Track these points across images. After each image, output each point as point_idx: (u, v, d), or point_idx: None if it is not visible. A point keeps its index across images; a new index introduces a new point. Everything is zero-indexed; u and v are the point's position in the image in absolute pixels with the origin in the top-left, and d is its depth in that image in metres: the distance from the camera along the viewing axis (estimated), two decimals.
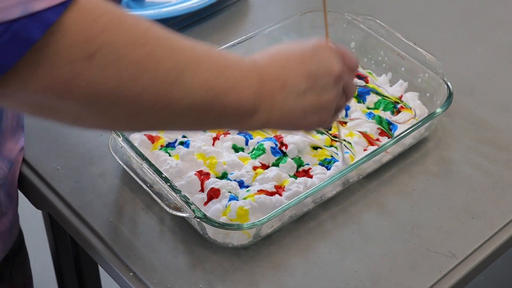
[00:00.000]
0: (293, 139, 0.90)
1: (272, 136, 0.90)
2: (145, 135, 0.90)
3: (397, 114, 0.95)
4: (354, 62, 0.74)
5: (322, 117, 0.71)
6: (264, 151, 0.88)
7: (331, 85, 0.70)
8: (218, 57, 0.63)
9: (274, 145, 0.89)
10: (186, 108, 0.60)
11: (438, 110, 0.91)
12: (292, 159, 0.88)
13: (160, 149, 0.89)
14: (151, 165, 0.83)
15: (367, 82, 0.99)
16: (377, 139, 0.92)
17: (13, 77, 0.52)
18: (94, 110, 0.57)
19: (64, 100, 0.55)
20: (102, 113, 0.58)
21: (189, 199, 0.80)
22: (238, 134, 0.91)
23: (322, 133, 0.92)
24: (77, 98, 0.55)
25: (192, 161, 0.87)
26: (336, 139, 0.91)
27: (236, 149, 0.90)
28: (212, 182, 0.85)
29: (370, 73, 1.01)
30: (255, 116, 0.66)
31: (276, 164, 0.88)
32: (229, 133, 0.91)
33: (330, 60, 0.71)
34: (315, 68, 0.69)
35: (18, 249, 0.94)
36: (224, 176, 0.87)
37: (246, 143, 0.90)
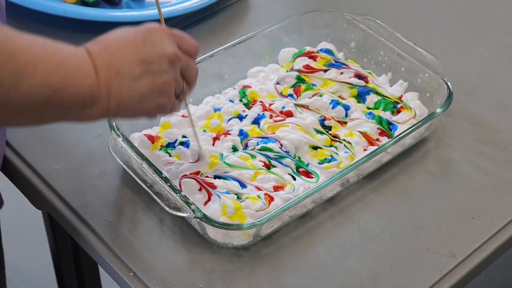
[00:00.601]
0: (290, 137, 0.90)
1: (271, 136, 0.90)
2: (145, 135, 0.90)
3: (397, 114, 0.95)
4: (192, 45, 0.75)
5: (162, 100, 0.73)
6: (270, 150, 0.88)
7: (166, 68, 0.72)
8: (54, 53, 0.65)
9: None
10: (25, 107, 0.63)
11: (438, 110, 0.91)
12: (292, 159, 0.88)
13: (160, 149, 0.89)
14: (151, 165, 0.83)
15: (367, 82, 0.99)
16: (377, 139, 0.92)
17: None
18: None
19: None
20: None
21: (189, 199, 0.80)
22: (238, 135, 0.91)
23: (322, 133, 0.92)
24: None
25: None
26: (337, 139, 0.91)
27: (236, 149, 0.90)
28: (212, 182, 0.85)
29: (370, 73, 1.01)
30: (94, 106, 0.68)
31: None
32: (229, 134, 0.91)
33: (163, 43, 0.72)
34: (148, 52, 0.70)
35: None
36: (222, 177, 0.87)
37: (246, 146, 0.90)
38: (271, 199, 0.84)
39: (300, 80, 0.98)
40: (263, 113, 0.93)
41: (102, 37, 0.71)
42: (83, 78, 0.66)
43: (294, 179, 0.87)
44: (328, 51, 1.02)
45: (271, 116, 0.93)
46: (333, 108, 0.95)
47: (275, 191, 0.85)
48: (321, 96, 0.96)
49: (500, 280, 1.73)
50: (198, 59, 0.95)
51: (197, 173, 0.86)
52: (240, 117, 0.94)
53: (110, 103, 0.69)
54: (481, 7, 1.18)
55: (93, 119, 0.70)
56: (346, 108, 0.95)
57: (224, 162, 0.88)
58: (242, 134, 0.91)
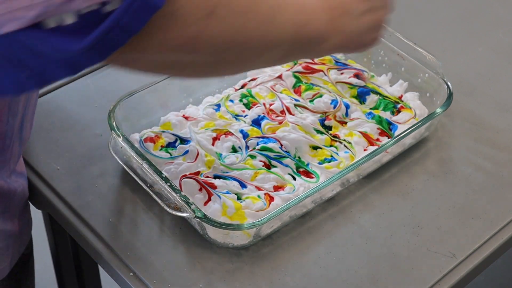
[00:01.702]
0: (290, 137, 0.90)
1: (271, 136, 0.91)
2: (145, 138, 0.90)
3: (397, 114, 0.95)
4: None
5: (378, 33, 0.79)
6: (270, 150, 0.89)
7: (383, 3, 0.78)
8: None
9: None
10: (279, 43, 0.69)
11: (438, 110, 0.91)
12: (292, 159, 0.88)
13: (161, 149, 0.89)
14: (151, 165, 0.83)
15: (364, 79, 0.99)
16: (377, 139, 0.92)
17: (150, 40, 0.59)
18: (213, 59, 0.65)
19: (192, 55, 0.63)
20: (218, 61, 0.66)
21: (189, 199, 0.80)
22: (239, 131, 0.91)
23: (322, 133, 0.92)
24: (202, 52, 0.63)
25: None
26: (337, 139, 0.91)
27: (235, 150, 0.90)
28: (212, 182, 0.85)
29: (370, 74, 1.01)
30: (329, 41, 0.73)
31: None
32: (230, 134, 0.91)
33: None
34: None
35: (28, 257, 0.94)
36: (222, 177, 0.87)
37: (246, 148, 0.90)
38: (271, 199, 0.84)
39: (299, 80, 0.98)
40: (263, 115, 0.93)
41: None
42: (320, 16, 0.71)
43: (294, 179, 0.87)
44: None
45: (271, 118, 0.93)
46: (334, 108, 0.95)
47: (275, 191, 0.85)
48: (321, 96, 0.96)
49: (500, 280, 1.73)
50: None
51: (197, 173, 0.87)
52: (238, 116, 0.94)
53: (341, 38, 0.74)
54: (481, 7, 1.18)
55: (326, 53, 0.78)
56: (346, 106, 0.95)
57: (222, 163, 0.88)
58: (242, 134, 0.91)
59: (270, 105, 0.95)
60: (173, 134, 0.91)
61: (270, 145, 0.89)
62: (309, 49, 0.74)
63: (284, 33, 0.69)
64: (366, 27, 0.76)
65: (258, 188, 0.85)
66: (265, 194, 0.84)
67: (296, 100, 0.96)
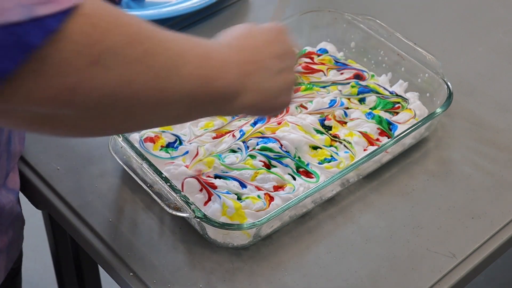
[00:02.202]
0: (290, 137, 0.90)
1: (271, 136, 0.90)
2: (145, 138, 0.90)
3: (397, 114, 0.95)
4: (297, 45, 0.79)
5: (291, 95, 0.75)
6: (270, 150, 0.89)
7: (294, 64, 0.75)
8: (199, 45, 0.65)
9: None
10: (177, 100, 0.62)
11: (438, 110, 0.91)
12: (292, 159, 0.88)
13: (161, 149, 0.89)
14: (151, 165, 0.83)
15: (364, 79, 0.99)
16: (377, 139, 0.92)
17: (18, 87, 0.52)
18: (92, 114, 0.57)
19: (66, 108, 0.55)
20: (99, 117, 0.58)
21: (189, 199, 0.80)
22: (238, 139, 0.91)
23: (322, 133, 0.92)
24: (79, 106, 0.55)
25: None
26: (337, 139, 0.91)
27: (235, 150, 0.90)
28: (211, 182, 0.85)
29: (370, 74, 1.01)
30: (238, 99, 0.68)
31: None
32: (233, 135, 0.91)
33: (289, 42, 0.75)
34: (281, 49, 0.73)
35: (16, 272, 0.93)
36: (222, 177, 0.87)
37: (246, 148, 0.90)
38: (271, 199, 0.84)
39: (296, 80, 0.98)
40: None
41: (235, 32, 0.72)
42: (229, 72, 0.66)
43: (294, 179, 0.87)
44: (326, 51, 1.02)
45: (270, 118, 0.93)
46: (333, 108, 0.95)
47: (275, 191, 0.85)
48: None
49: (500, 280, 1.73)
50: None
51: (199, 171, 0.87)
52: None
53: (253, 96, 0.70)
54: (481, 7, 1.18)
55: (234, 113, 0.72)
56: (346, 106, 0.95)
57: (222, 163, 0.88)
58: (242, 134, 0.91)
59: None
60: (173, 134, 0.91)
61: (270, 145, 0.89)
62: (215, 107, 0.68)
63: (183, 88, 0.62)
64: (280, 87, 0.72)
65: (258, 188, 0.85)
66: (265, 194, 0.84)
67: (296, 100, 0.96)
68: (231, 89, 0.67)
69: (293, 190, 0.85)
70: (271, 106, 0.73)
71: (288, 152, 0.89)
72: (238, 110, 0.70)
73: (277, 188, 0.86)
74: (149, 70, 0.58)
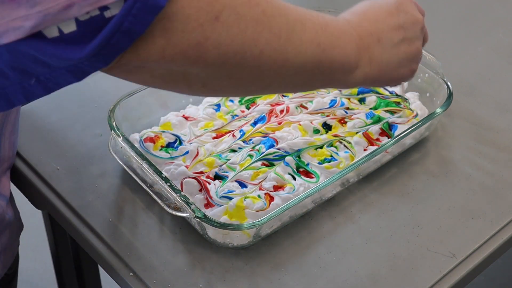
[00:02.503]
0: (290, 137, 0.90)
1: (271, 136, 0.91)
2: (145, 138, 0.90)
3: (397, 114, 0.95)
4: (422, 11, 0.79)
5: (414, 66, 0.75)
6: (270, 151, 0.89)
7: (419, 35, 0.75)
8: (318, 16, 0.66)
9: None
10: (299, 65, 0.64)
11: (438, 110, 0.91)
12: (292, 159, 0.88)
13: (161, 149, 0.89)
14: (151, 165, 0.83)
15: None
16: (377, 139, 0.92)
17: (151, 46, 0.57)
18: (221, 73, 0.61)
19: (196, 65, 0.59)
20: (227, 76, 0.61)
21: (189, 199, 0.80)
22: (239, 138, 0.91)
23: (322, 133, 0.92)
24: (207, 62, 0.59)
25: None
26: (337, 139, 0.91)
27: (235, 150, 0.90)
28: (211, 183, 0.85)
29: None
30: (357, 70, 0.69)
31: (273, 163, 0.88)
32: (233, 135, 0.91)
33: (413, 11, 0.75)
34: (403, 20, 0.73)
35: (12, 278, 0.92)
36: (222, 177, 0.87)
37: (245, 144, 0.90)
38: (271, 199, 0.84)
39: None
40: (263, 115, 0.93)
41: (355, 8, 0.73)
42: (347, 42, 0.68)
43: (294, 179, 0.87)
44: None
45: (271, 118, 0.93)
46: (333, 108, 0.95)
47: (275, 191, 0.85)
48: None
49: (500, 280, 1.73)
50: None
51: (200, 173, 0.87)
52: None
53: (372, 69, 0.70)
54: (481, 7, 1.18)
55: (354, 84, 0.71)
56: (346, 106, 0.95)
57: (222, 163, 0.88)
58: (242, 134, 0.91)
59: (270, 105, 0.95)
60: (173, 134, 0.91)
61: (270, 145, 0.89)
62: (335, 77, 0.69)
63: (303, 53, 0.63)
64: (401, 58, 0.73)
65: (258, 188, 0.85)
66: (265, 194, 0.84)
67: (296, 100, 0.96)
68: (350, 60, 0.68)
69: (293, 190, 0.85)
70: (390, 78, 0.74)
71: (288, 151, 0.89)
72: (358, 83, 0.71)
73: (277, 188, 0.86)
74: (270, 31, 0.60)
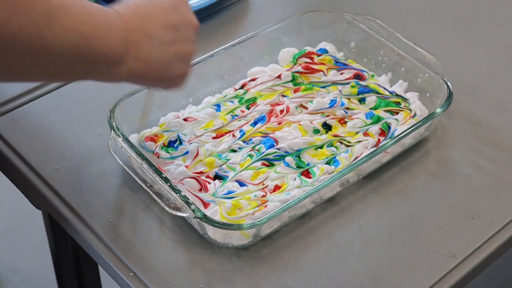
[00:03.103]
0: (290, 137, 0.90)
1: (271, 136, 0.91)
2: (146, 137, 0.90)
3: (397, 114, 0.95)
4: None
5: (185, 69, 0.75)
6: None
7: (192, 37, 0.74)
8: (84, 5, 0.65)
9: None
10: (58, 53, 0.63)
11: (438, 110, 0.91)
12: (292, 158, 0.88)
13: (161, 148, 0.89)
14: (151, 165, 0.83)
15: (364, 78, 0.99)
16: (377, 139, 0.92)
17: None
18: None
19: None
20: None
21: (189, 199, 0.80)
22: (239, 139, 0.91)
23: (322, 133, 0.92)
24: None
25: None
26: (337, 139, 0.91)
27: (235, 150, 0.90)
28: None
29: (370, 74, 1.01)
30: (123, 64, 0.69)
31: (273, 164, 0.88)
32: (231, 134, 0.91)
33: (189, 14, 0.75)
34: (177, 19, 0.73)
35: None
36: (222, 177, 0.87)
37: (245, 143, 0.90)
38: (268, 200, 0.84)
39: (296, 80, 0.99)
40: (263, 115, 0.93)
41: (130, 1, 0.72)
42: (113, 33, 0.67)
43: (294, 179, 0.87)
44: (326, 51, 1.02)
45: (271, 118, 0.93)
46: (333, 108, 0.95)
47: (275, 191, 0.85)
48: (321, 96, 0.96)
49: (500, 280, 1.73)
50: (198, 59, 0.95)
51: (200, 173, 0.87)
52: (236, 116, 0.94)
53: (139, 64, 0.70)
54: (481, 7, 1.18)
55: (120, 79, 0.71)
56: (346, 106, 0.95)
57: (222, 163, 0.88)
58: (242, 134, 0.91)
59: (270, 105, 0.95)
60: (172, 134, 0.91)
61: (270, 145, 0.89)
62: (97, 69, 0.68)
63: (63, 42, 0.62)
64: (171, 58, 0.72)
65: (259, 189, 0.85)
66: (263, 194, 0.84)
67: (296, 100, 0.96)
68: (114, 53, 0.67)
69: (293, 190, 0.85)
70: (160, 77, 0.73)
71: (288, 152, 0.89)
72: (125, 77, 0.70)
73: (277, 188, 0.86)
74: (27, 15, 0.59)
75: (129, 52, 0.68)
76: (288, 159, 0.88)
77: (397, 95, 0.98)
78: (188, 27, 0.74)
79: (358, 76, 1.00)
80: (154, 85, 0.78)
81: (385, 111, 0.95)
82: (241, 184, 0.86)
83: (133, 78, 0.71)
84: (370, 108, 0.96)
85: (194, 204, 0.79)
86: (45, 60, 0.63)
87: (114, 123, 0.87)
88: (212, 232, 0.81)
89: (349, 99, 0.97)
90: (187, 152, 0.89)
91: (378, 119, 0.93)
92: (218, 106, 0.95)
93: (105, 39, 0.66)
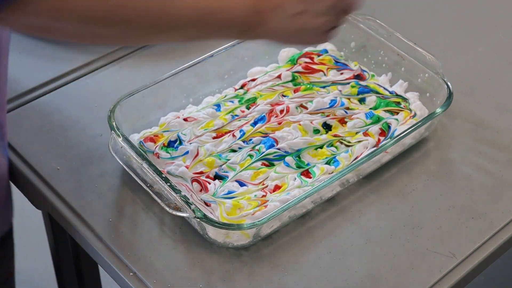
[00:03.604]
0: (290, 137, 0.90)
1: (271, 136, 0.91)
2: (145, 138, 0.90)
3: (396, 114, 0.95)
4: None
5: (316, 38, 0.77)
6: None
7: (325, 12, 0.75)
8: None
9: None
10: (179, 27, 0.68)
11: (438, 110, 0.91)
12: (292, 158, 0.88)
13: (161, 148, 0.89)
14: (151, 165, 0.83)
15: (364, 78, 0.99)
16: (377, 139, 0.92)
17: (17, 7, 0.61)
18: (90, 30, 0.65)
19: (59, 22, 0.63)
20: (97, 32, 0.66)
21: (189, 199, 0.80)
22: (239, 138, 0.91)
23: (322, 133, 0.92)
24: (70, 20, 0.63)
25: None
26: (337, 139, 0.91)
27: (235, 150, 0.90)
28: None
29: (370, 74, 1.01)
30: (249, 31, 0.72)
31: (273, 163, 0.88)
32: (231, 134, 0.91)
33: None
34: None
35: (7, 238, 0.93)
36: (222, 177, 0.87)
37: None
38: (268, 200, 0.84)
39: (298, 79, 0.99)
40: (263, 115, 0.93)
41: None
42: (238, 6, 0.70)
43: (294, 179, 0.87)
44: (326, 51, 1.02)
45: (271, 118, 0.93)
46: (333, 107, 0.95)
47: (275, 191, 0.85)
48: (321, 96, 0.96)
49: (500, 280, 1.73)
50: (198, 59, 0.95)
51: (200, 173, 0.87)
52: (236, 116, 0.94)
53: (267, 31, 0.73)
54: (481, 7, 1.18)
55: (247, 39, 0.77)
56: (346, 106, 0.95)
57: (222, 163, 0.88)
58: (242, 134, 0.91)
59: (270, 105, 0.95)
60: (172, 134, 0.91)
61: (270, 145, 0.89)
62: (230, 34, 0.73)
63: (181, 17, 0.67)
64: (298, 29, 0.74)
65: (259, 189, 0.85)
66: (263, 194, 0.84)
67: (296, 100, 0.96)
68: (240, 22, 0.70)
69: (293, 190, 0.85)
70: (287, 41, 0.77)
71: (288, 151, 0.89)
72: (252, 38, 0.74)
73: (277, 188, 0.86)
74: None
75: (256, 20, 0.71)
76: (288, 159, 0.88)
77: (397, 95, 0.98)
78: (321, 1, 0.75)
79: (358, 76, 1.00)
80: (287, 45, 0.85)
81: (385, 111, 0.95)
82: (241, 184, 0.86)
83: (262, 40, 0.75)
84: (370, 108, 0.96)
85: (194, 204, 0.79)
86: (167, 32, 0.68)
87: (114, 123, 0.87)
88: (212, 232, 0.81)
89: (349, 99, 0.97)
90: (187, 152, 0.89)
91: (378, 119, 0.93)
92: (218, 106, 0.95)
93: (226, 12, 0.69)
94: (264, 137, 0.91)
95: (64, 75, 1.02)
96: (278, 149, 0.89)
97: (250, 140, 0.91)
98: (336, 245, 0.84)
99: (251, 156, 0.89)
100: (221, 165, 0.88)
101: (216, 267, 0.81)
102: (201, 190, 0.85)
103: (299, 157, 0.89)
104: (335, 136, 0.92)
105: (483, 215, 0.87)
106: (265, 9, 0.71)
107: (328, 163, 0.89)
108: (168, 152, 0.89)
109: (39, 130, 0.94)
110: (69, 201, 0.86)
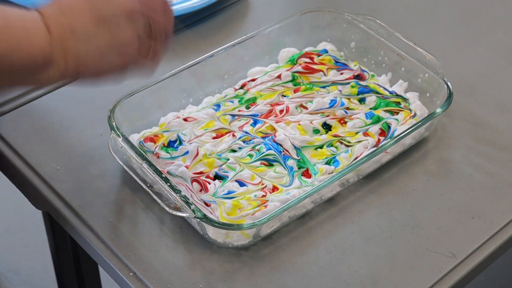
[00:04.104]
0: (290, 137, 0.90)
1: (271, 136, 0.91)
2: (145, 138, 0.90)
3: (397, 114, 0.95)
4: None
5: (125, 57, 0.70)
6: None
7: (125, 24, 0.69)
8: (0, 16, 0.63)
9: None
10: None
11: (438, 110, 0.91)
12: (292, 159, 0.88)
13: (161, 148, 0.89)
14: (151, 165, 0.83)
15: (364, 79, 0.99)
16: (377, 139, 0.92)
17: None
18: None
19: None
20: None
21: (189, 199, 0.80)
22: (239, 138, 0.91)
23: (322, 133, 0.92)
24: None
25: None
26: (337, 139, 0.91)
27: (235, 150, 0.90)
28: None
29: (370, 74, 1.01)
30: (50, 68, 0.66)
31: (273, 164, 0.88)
32: (230, 134, 0.91)
33: None
34: (102, 7, 0.68)
35: None
36: (222, 177, 0.87)
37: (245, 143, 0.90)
38: (268, 200, 0.84)
39: (296, 80, 0.99)
40: (263, 115, 0.93)
41: None
42: (33, 41, 0.64)
43: (294, 179, 0.87)
44: (326, 51, 1.02)
45: (270, 118, 0.93)
46: (333, 107, 0.95)
47: (274, 191, 0.85)
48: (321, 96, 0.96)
49: (500, 280, 1.73)
50: (198, 59, 0.95)
51: (200, 173, 0.87)
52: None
53: (68, 64, 0.67)
54: (481, 7, 1.18)
55: (51, 82, 0.68)
56: (346, 106, 0.95)
57: (221, 163, 0.88)
58: (242, 134, 0.91)
59: (270, 105, 0.95)
60: (172, 134, 0.91)
61: (270, 145, 0.89)
62: (28, 75, 0.66)
63: None
64: (103, 49, 0.68)
65: (259, 188, 0.85)
66: (263, 194, 0.84)
67: (296, 100, 0.96)
68: (37, 59, 0.65)
69: (293, 191, 0.85)
70: (95, 71, 0.69)
71: (288, 152, 0.89)
72: (55, 79, 0.68)
73: (276, 188, 0.86)
74: None
75: (55, 54, 0.65)
76: (288, 160, 0.88)
77: (397, 95, 0.98)
78: (116, 13, 0.68)
79: (358, 76, 1.00)
80: (93, 80, 0.72)
81: (385, 111, 0.95)
82: (241, 184, 0.86)
83: (66, 78, 0.68)
84: (370, 108, 0.96)
85: (194, 204, 0.79)
86: None
87: (114, 123, 0.87)
88: (212, 232, 0.81)
89: (349, 99, 0.97)
90: (187, 152, 0.89)
91: (378, 119, 0.93)
92: (218, 106, 0.95)
93: (22, 50, 0.63)
94: (264, 137, 0.91)
95: None
96: (279, 147, 0.89)
97: (250, 140, 0.91)
98: (336, 245, 0.84)
99: (251, 156, 0.89)
100: (221, 165, 0.88)
101: (216, 267, 0.81)
102: (201, 190, 0.85)
103: (299, 158, 0.89)
104: (335, 136, 0.92)
105: (483, 215, 0.87)
106: (60, 38, 0.65)
107: (328, 163, 0.89)
108: (168, 152, 0.89)
109: (39, 130, 0.94)
110: (69, 201, 0.87)
